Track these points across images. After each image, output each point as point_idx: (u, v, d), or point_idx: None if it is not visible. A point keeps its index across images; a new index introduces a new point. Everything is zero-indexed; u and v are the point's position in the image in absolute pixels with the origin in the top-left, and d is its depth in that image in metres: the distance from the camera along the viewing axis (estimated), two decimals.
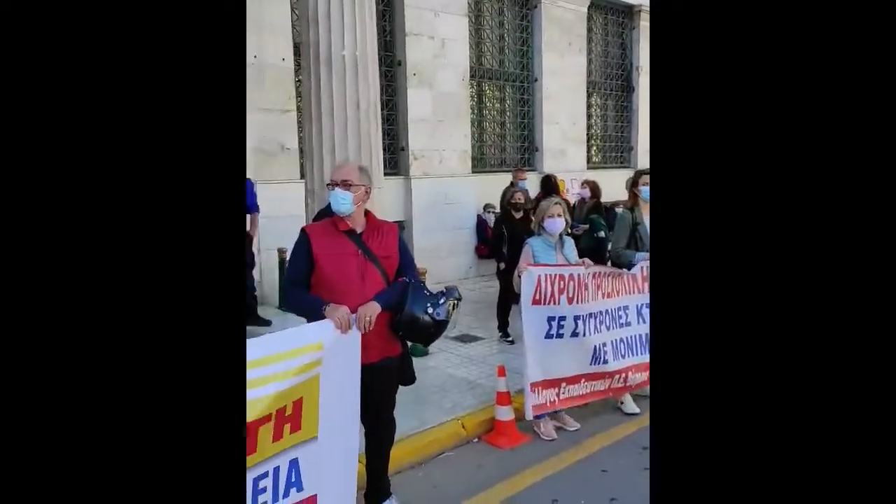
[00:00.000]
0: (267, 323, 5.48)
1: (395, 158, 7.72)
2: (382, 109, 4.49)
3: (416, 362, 2.86)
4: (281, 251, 5.94)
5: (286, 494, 2.17)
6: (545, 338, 3.62)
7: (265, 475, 2.09)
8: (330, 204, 2.72)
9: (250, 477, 2.02)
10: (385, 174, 4.77)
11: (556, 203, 3.74)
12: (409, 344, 2.77)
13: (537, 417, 3.62)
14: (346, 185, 2.47)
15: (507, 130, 9.27)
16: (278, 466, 2.14)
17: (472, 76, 8.44)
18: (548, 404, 3.64)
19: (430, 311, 2.48)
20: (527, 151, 9.45)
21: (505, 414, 3.61)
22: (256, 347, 2.10)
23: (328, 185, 2.53)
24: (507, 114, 9.27)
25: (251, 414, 1.97)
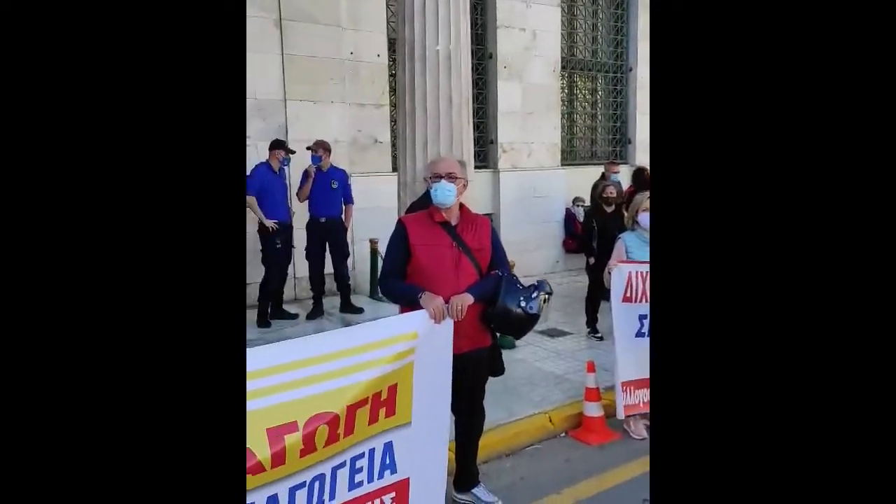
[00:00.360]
0: (359, 311, 5.70)
1: (485, 151, 7.73)
2: (472, 103, 4.51)
3: (505, 354, 2.88)
4: (373, 241, 6.10)
5: (381, 476, 2.26)
6: (636, 336, 3.54)
7: (361, 456, 2.19)
8: (423, 196, 2.79)
9: (348, 457, 2.12)
10: (474, 167, 4.79)
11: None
12: (499, 335, 2.80)
13: (629, 416, 3.56)
14: (451, 177, 2.53)
15: (598, 122, 9.06)
16: (374, 448, 2.23)
17: (563, 67, 8.30)
18: (641, 405, 3.56)
19: (522, 304, 2.51)
20: (619, 144, 9.19)
21: (594, 410, 3.57)
22: (356, 336, 2.19)
23: (430, 177, 2.59)
24: (599, 105, 9.05)
25: (349, 398, 2.06)
